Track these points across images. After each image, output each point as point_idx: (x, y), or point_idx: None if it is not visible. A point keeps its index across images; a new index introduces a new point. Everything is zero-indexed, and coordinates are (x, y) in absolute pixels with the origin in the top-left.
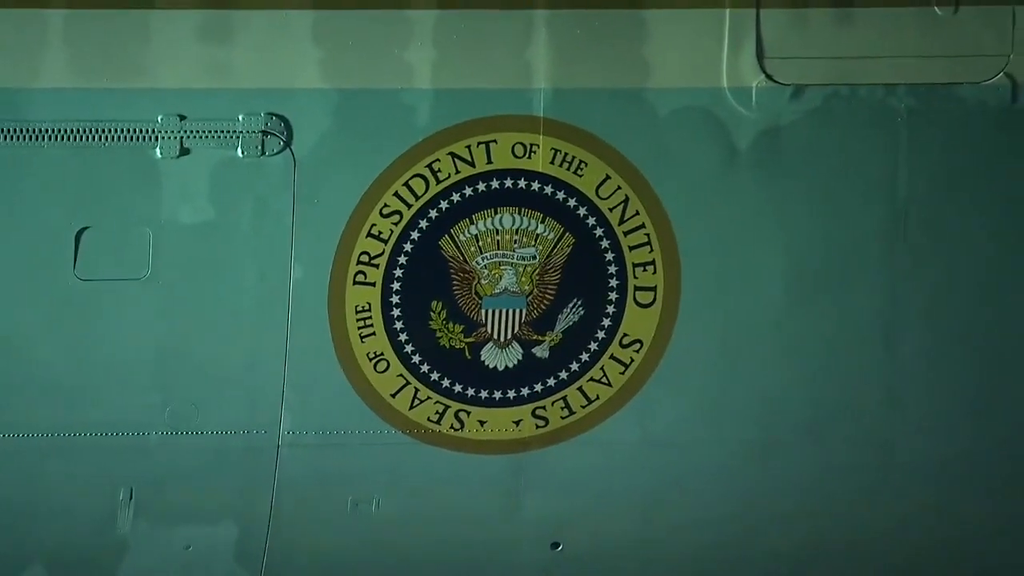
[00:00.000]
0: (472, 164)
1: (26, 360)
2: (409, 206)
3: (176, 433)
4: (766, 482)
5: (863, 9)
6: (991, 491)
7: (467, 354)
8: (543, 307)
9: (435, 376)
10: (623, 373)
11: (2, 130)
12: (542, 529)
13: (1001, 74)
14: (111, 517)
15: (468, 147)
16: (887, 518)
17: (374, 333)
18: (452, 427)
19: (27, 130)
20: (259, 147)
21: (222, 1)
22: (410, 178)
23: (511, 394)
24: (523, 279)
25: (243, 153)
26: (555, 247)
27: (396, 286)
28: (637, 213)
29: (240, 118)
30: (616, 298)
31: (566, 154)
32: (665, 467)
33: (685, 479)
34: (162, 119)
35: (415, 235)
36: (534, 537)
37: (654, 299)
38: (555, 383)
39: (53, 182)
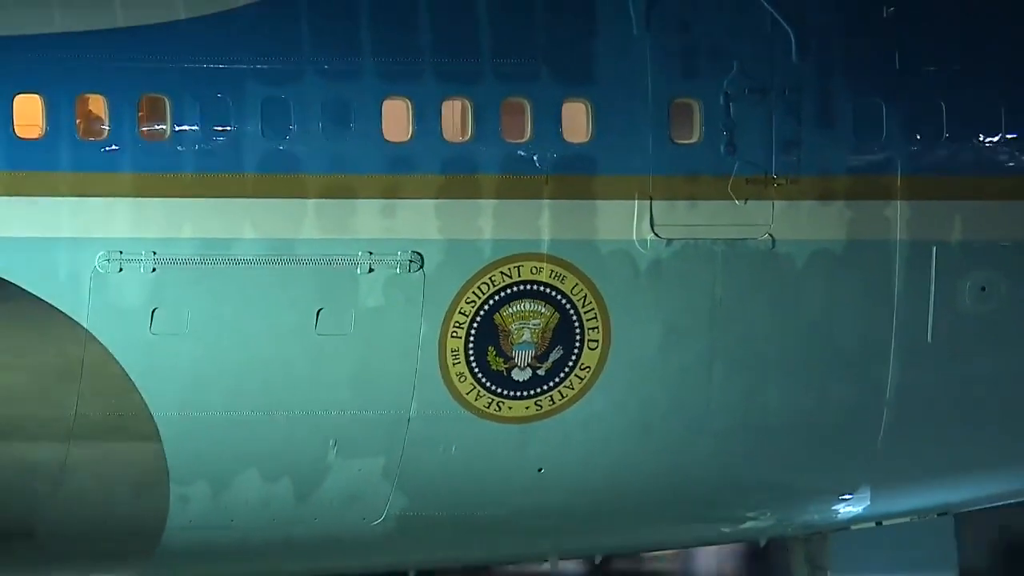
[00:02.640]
0: (510, 276)
1: (292, 374)
2: (480, 297)
3: (357, 411)
4: (647, 436)
5: (702, 201)
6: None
7: (505, 373)
8: (543, 350)
9: (489, 384)
10: (580, 383)
11: (287, 259)
12: (535, 460)
13: (767, 234)
14: (326, 453)
15: (508, 267)
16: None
17: (460, 362)
18: (495, 409)
19: (296, 259)
20: (408, 268)
21: (391, 192)
22: (479, 283)
23: (525, 393)
24: (534, 335)
25: (399, 271)
26: (550, 319)
27: (472, 338)
28: (591, 302)
29: (399, 253)
30: (578, 345)
31: (558, 271)
32: (599, 428)
33: (609, 433)
34: (360, 254)
35: (482, 312)
36: (530, 464)
37: (598, 345)
38: (547, 388)
39: (306, 287)
